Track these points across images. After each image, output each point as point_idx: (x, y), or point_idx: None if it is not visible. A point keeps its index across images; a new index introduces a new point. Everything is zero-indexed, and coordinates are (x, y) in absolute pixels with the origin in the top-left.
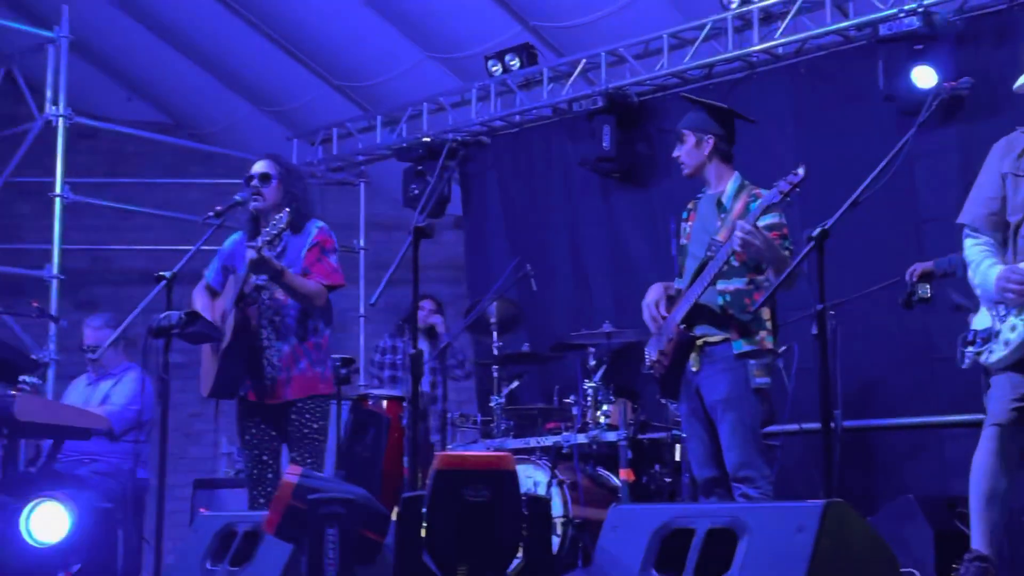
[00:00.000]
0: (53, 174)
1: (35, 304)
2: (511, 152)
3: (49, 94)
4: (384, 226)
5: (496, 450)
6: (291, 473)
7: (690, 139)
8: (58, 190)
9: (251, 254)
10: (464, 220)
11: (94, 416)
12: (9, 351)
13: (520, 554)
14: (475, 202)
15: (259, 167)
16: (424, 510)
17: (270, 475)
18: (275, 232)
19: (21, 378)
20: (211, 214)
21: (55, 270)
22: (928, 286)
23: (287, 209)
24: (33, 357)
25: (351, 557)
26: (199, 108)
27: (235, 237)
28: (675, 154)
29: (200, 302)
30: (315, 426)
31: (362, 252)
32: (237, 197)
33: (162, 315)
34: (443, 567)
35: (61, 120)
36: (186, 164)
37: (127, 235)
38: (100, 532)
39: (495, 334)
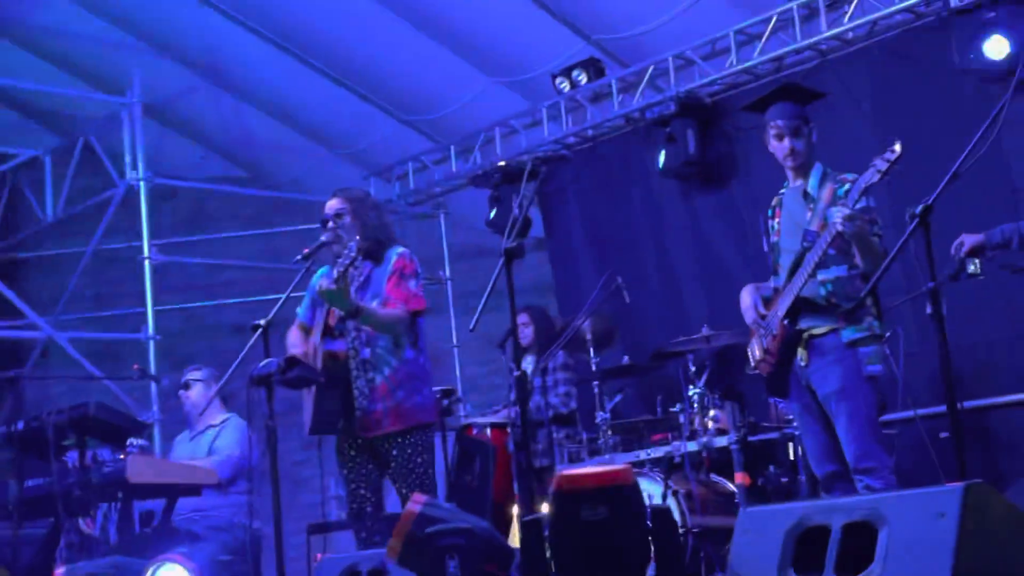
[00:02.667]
0: (139, 238)
1: (136, 367)
2: (588, 166)
3: (128, 159)
4: (467, 255)
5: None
6: (415, 502)
7: (805, 130)
8: (146, 252)
9: (323, 283)
10: (548, 240)
11: (202, 471)
12: (116, 415)
13: (652, 568)
14: (557, 220)
15: (331, 206)
16: (546, 533)
17: (369, 509)
18: (346, 264)
19: (130, 441)
20: (299, 257)
21: (151, 331)
22: (978, 261)
23: (354, 241)
24: (139, 420)
25: None
26: (273, 158)
27: (322, 271)
28: (788, 146)
29: (293, 341)
30: (419, 460)
31: (449, 283)
32: (322, 238)
33: (261, 364)
34: None
35: (142, 183)
36: (267, 214)
37: (217, 290)
38: None
39: (591, 350)
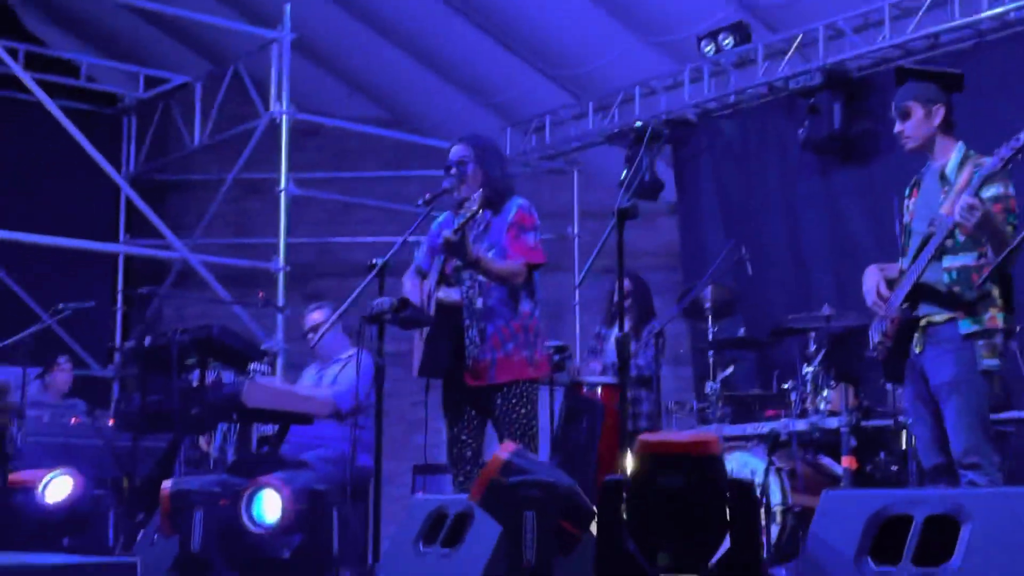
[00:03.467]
0: (279, 170)
1: (261, 295)
2: (725, 135)
3: (273, 92)
4: (598, 214)
5: None
6: (504, 449)
7: (918, 111)
8: (283, 185)
9: (446, 233)
10: (678, 204)
11: (317, 401)
12: (238, 341)
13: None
14: (689, 186)
15: (455, 152)
16: (624, 495)
17: (469, 454)
18: (467, 216)
19: (252, 366)
20: (420, 202)
21: (281, 262)
22: None
23: (479, 191)
24: (263, 347)
25: (549, 544)
26: (417, 102)
27: (442, 218)
28: (898, 129)
29: (409, 285)
30: (523, 411)
31: (576, 239)
32: (443, 185)
33: (375, 302)
34: (644, 553)
35: (284, 117)
36: (406, 158)
37: (350, 228)
38: (315, 515)
39: (710, 319)
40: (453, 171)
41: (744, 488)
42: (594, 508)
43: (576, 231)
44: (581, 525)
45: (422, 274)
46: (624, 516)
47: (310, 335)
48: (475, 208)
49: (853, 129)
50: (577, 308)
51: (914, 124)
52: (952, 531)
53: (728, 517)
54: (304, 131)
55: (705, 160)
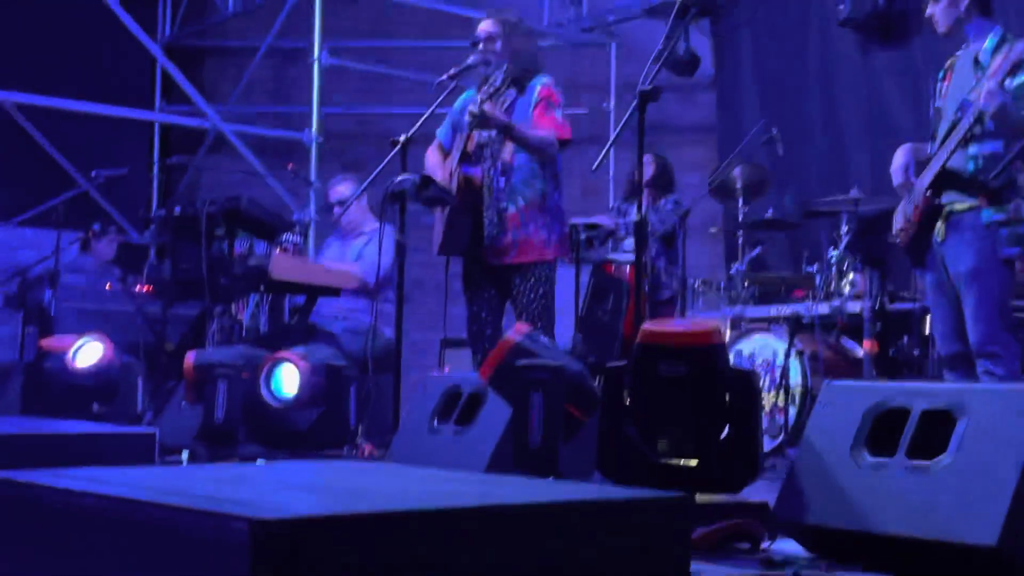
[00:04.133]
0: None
1: (290, 167)
2: (766, 8)
3: None
4: (634, 87)
5: (736, 318)
6: (516, 331)
7: None
8: (316, 54)
9: (473, 108)
10: (716, 80)
11: (344, 275)
12: (266, 213)
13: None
14: (727, 62)
15: (483, 27)
16: (627, 381)
17: (489, 331)
18: (493, 89)
19: (285, 237)
20: (444, 77)
21: (315, 133)
22: None
23: (504, 66)
24: (295, 217)
25: (555, 428)
26: None
27: (466, 95)
28: (928, 12)
29: (431, 162)
30: (540, 291)
31: (612, 114)
32: (469, 60)
33: (397, 179)
34: (644, 439)
35: None
36: (445, 27)
37: (391, 97)
38: (333, 389)
39: (740, 199)
40: (480, 47)
41: (744, 378)
42: (598, 395)
43: (612, 105)
44: (586, 409)
45: (444, 151)
46: (626, 402)
47: (336, 208)
48: (499, 82)
49: (895, 6)
50: (611, 182)
51: (943, 7)
52: (948, 425)
53: (728, 407)
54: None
55: (744, 35)
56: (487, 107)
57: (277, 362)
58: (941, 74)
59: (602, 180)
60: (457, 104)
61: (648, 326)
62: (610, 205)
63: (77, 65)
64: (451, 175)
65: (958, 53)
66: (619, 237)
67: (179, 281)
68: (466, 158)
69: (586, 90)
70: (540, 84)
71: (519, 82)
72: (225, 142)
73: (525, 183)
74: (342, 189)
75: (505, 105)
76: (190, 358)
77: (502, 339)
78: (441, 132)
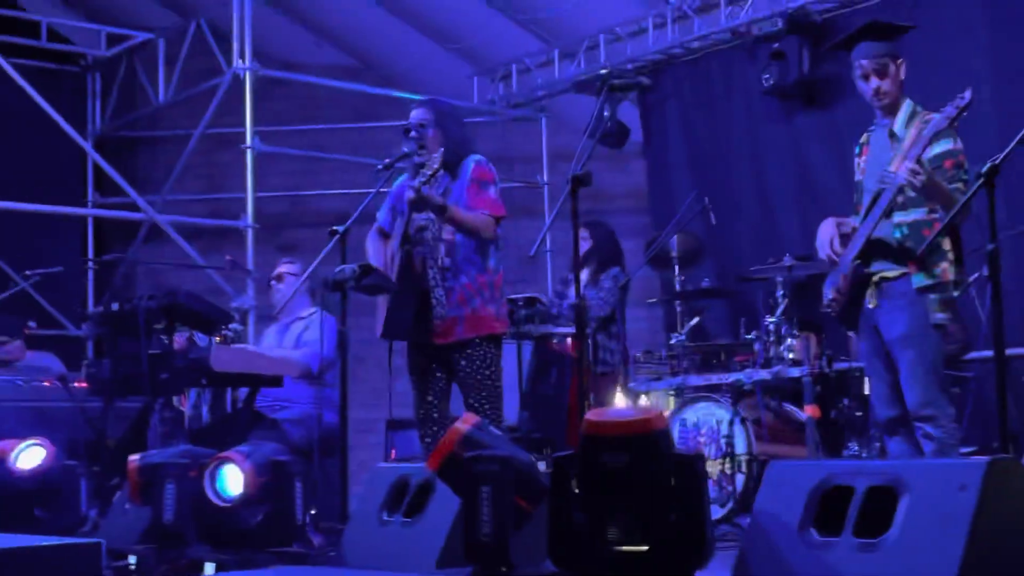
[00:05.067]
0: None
1: (228, 259)
2: (691, 80)
3: (236, 47)
4: (569, 157)
5: (677, 388)
6: (464, 421)
7: (892, 68)
8: (248, 141)
9: (409, 194)
10: (645, 150)
11: (285, 362)
12: (204, 305)
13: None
14: (656, 132)
15: (415, 115)
16: (574, 470)
17: (435, 415)
18: (430, 173)
19: (231, 327)
20: (379, 167)
21: (250, 219)
22: None
23: (440, 150)
24: (233, 304)
25: (505, 519)
26: (385, 49)
27: (402, 179)
28: (874, 86)
29: (372, 247)
30: (487, 372)
31: (546, 187)
32: (404, 149)
33: (337, 269)
34: (594, 526)
35: (248, 74)
36: (375, 107)
37: (323, 178)
38: (278, 485)
39: (676, 268)
40: (413, 134)
41: (688, 462)
42: (546, 486)
43: (546, 178)
44: (534, 501)
45: (384, 235)
46: (575, 491)
47: (272, 281)
48: (436, 166)
49: (819, 74)
50: (548, 255)
51: (891, 81)
52: (893, 501)
53: (674, 491)
54: (272, 81)
55: (671, 106)
56: (424, 190)
57: (221, 462)
58: (857, 149)
59: (539, 251)
60: (395, 186)
61: (591, 416)
62: (548, 276)
63: (6, 163)
64: (393, 259)
65: (871, 128)
66: (553, 315)
67: (119, 377)
68: (407, 240)
69: (519, 163)
70: (473, 163)
71: (452, 168)
72: (161, 231)
73: (468, 260)
74: (285, 267)
75: (440, 190)
76: (134, 461)
77: (450, 429)
78: (381, 215)
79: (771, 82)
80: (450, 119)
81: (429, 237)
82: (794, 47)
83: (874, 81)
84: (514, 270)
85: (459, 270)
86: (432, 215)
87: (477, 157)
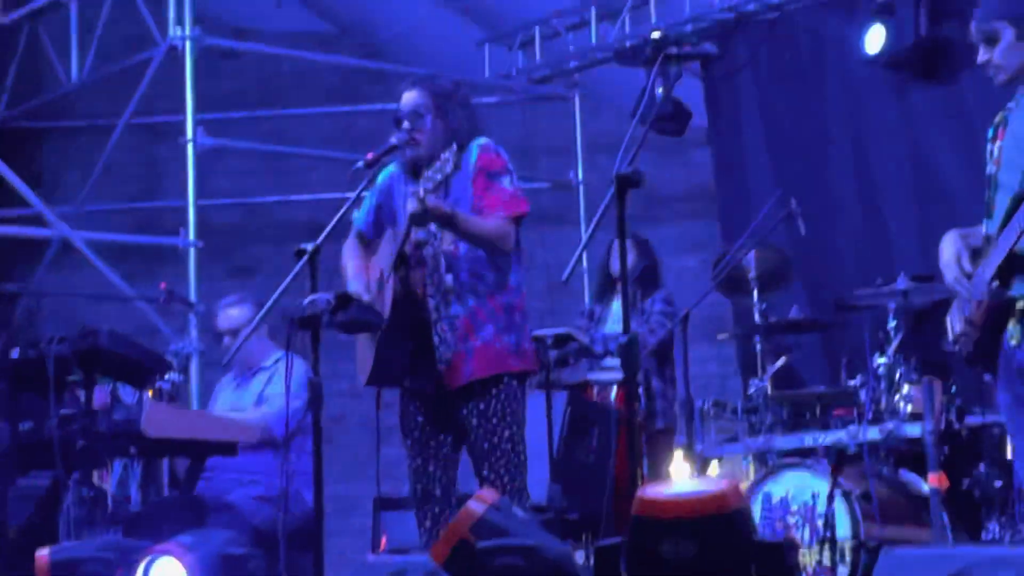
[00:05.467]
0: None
1: (164, 287)
2: (770, 46)
3: (173, 10)
4: (607, 150)
5: (759, 452)
6: (479, 500)
7: (1008, 33)
8: (189, 134)
9: (412, 204)
10: (712, 138)
11: (242, 426)
12: (135, 349)
13: None
14: (725, 114)
15: (406, 101)
16: (623, 564)
17: (439, 491)
18: (440, 179)
19: (169, 377)
20: (360, 164)
21: (191, 235)
22: None
23: (452, 149)
24: (172, 350)
25: None
26: (368, 9)
27: (391, 171)
28: (983, 58)
29: (352, 264)
30: (506, 433)
31: (581, 188)
32: (392, 140)
33: (306, 301)
34: None
35: (189, 44)
36: (356, 85)
37: (287, 180)
38: None
39: (756, 293)
40: (405, 124)
41: (773, 553)
42: None
43: (580, 176)
44: None
45: (364, 241)
46: None
47: (226, 338)
48: (449, 170)
49: (940, 36)
50: (585, 276)
51: (1004, 49)
52: None
53: None
54: (220, 53)
55: (745, 79)
56: (431, 200)
57: (156, 556)
58: (991, 133)
59: (575, 272)
60: (381, 180)
61: (645, 492)
62: (585, 305)
63: None
64: (381, 282)
65: (1009, 105)
66: (596, 354)
67: (22, 445)
68: (403, 262)
69: (545, 156)
70: (477, 148)
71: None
72: (75, 252)
73: (476, 276)
74: (235, 313)
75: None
76: (43, 556)
77: (461, 510)
78: (360, 218)
79: (878, 48)
80: (454, 103)
81: (429, 254)
82: (908, 1)
83: (982, 51)
84: (540, 298)
85: (464, 290)
86: (433, 226)
87: (481, 141)
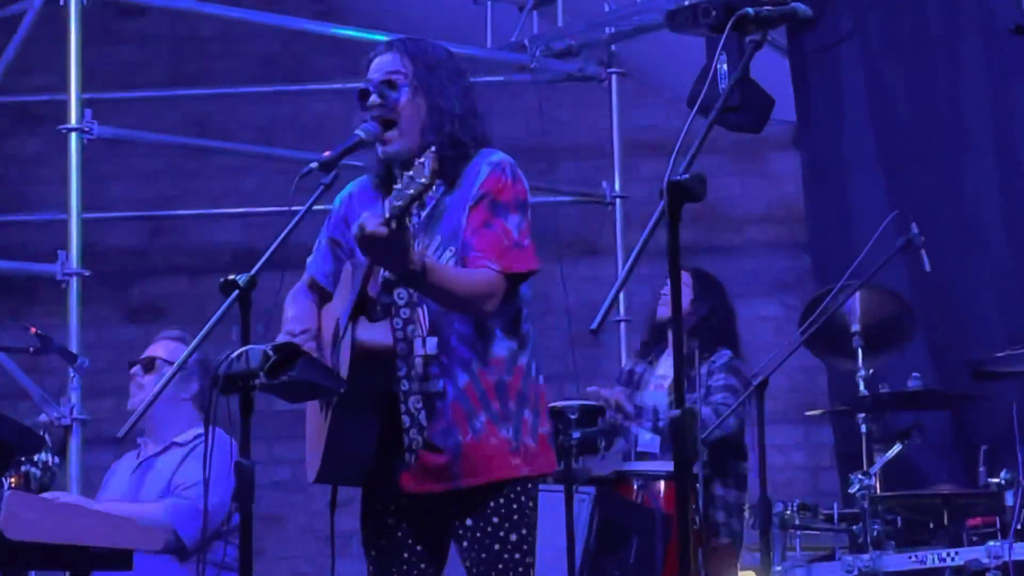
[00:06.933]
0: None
1: (33, 331)
2: (883, 8)
3: None
4: (658, 148)
5: (863, 572)
6: None
7: None
8: (73, 120)
9: (369, 224)
10: (801, 135)
11: (138, 523)
12: None
13: None
14: (820, 104)
15: (377, 66)
16: None
17: None
18: (410, 194)
19: (38, 458)
20: (313, 165)
21: (75, 261)
22: None
23: (432, 148)
24: (41, 419)
25: None
26: None
27: (351, 189)
28: None
29: (295, 308)
30: (510, 554)
31: (618, 202)
32: (359, 133)
33: (235, 354)
34: None
35: None
36: (305, 57)
37: (209, 186)
38: None
39: (860, 354)
40: (373, 99)
41: None
42: None
43: (618, 187)
44: None
45: (318, 289)
46: None
47: (135, 371)
48: (424, 180)
49: None
50: (623, 327)
51: None
52: None
53: None
54: (119, 13)
55: (848, 54)
56: (379, 229)
57: None
58: None
59: (607, 319)
60: (339, 204)
61: None
62: (622, 363)
63: None
64: (336, 337)
65: None
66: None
67: None
68: (364, 307)
69: (569, 159)
70: (487, 166)
71: (447, 165)
72: None
73: (468, 342)
74: (159, 349)
75: (427, 208)
76: None
77: None
78: (314, 262)
79: None
80: (443, 74)
81: (402, 300)
82: None
83: None
84: (559, 355)
85: (454, 359)
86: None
87: (495, 156)
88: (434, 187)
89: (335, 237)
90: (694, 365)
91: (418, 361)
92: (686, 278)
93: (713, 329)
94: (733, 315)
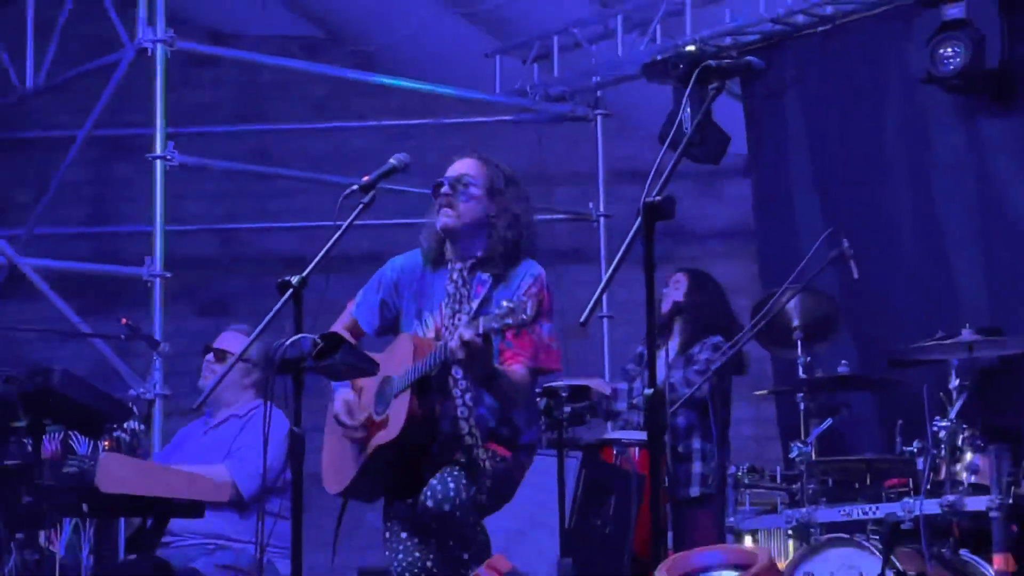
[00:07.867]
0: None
1: (125, 323)
2: (820, 62)
3: (142, 9)
4: (636, 176)
5: (800, 525)
6: (491, 568)
7: None
8: (159, 149)
9: (465, 334)
10: (752, 166)
11: (209, 483)
12: (90, 394)
13: None
14: (768, 140)
15: (455, 168)
16: None
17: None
18: (508, 323)
19: (128, 425)
20: (354, 188)
21: (159, 265)
22: None
23: (533, 290)
24: (131, 393)
25: None
26: (361, 13)
27: (403, 262)
28: None
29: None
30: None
31: (602, 221)
32: (392, 161)
33: (288, 341)
34: None
35: (160, 48)
36: (347, 99)
37: (269, 204)
38: None
39: (799, 345)
40: (445, 189)
41: None
42: None
43: (603, 208)
44: None
45: (359, 335)
46: None
47: (208, 360)
48: (525, 317)
49: (1013, 54)
50: (605, 323)
51: None
52: None
53: None
54: (195, 59)
55: (791, 100)
56: (475, 339)
57: None
58: None
59: (593, 316)
60: (391, 272)
61: (669, 567)
62: (604, 354)
63: None
64: (386, 387)
65: None
66: (632, 404)
67: None
68: (427, 384)
69: (563, 184)
70: (530, 277)
71: (497, 264)
72: (23, 281)
73: (490, 427)
74: (227, 340)
75: (478, 298)
76: None
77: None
78: (362, 314)
79: (951, 66)
80: (512, 188)
81: (463, 388)
82: (985, 15)
83: None
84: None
85: (482, 434)
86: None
87: (536, 269)
88: (479, 275)
89: (385, 299)
90: (688, 350)
91: (452, 429)
92: (681, 277)
93: (705, 318)
94: (726, 307)
